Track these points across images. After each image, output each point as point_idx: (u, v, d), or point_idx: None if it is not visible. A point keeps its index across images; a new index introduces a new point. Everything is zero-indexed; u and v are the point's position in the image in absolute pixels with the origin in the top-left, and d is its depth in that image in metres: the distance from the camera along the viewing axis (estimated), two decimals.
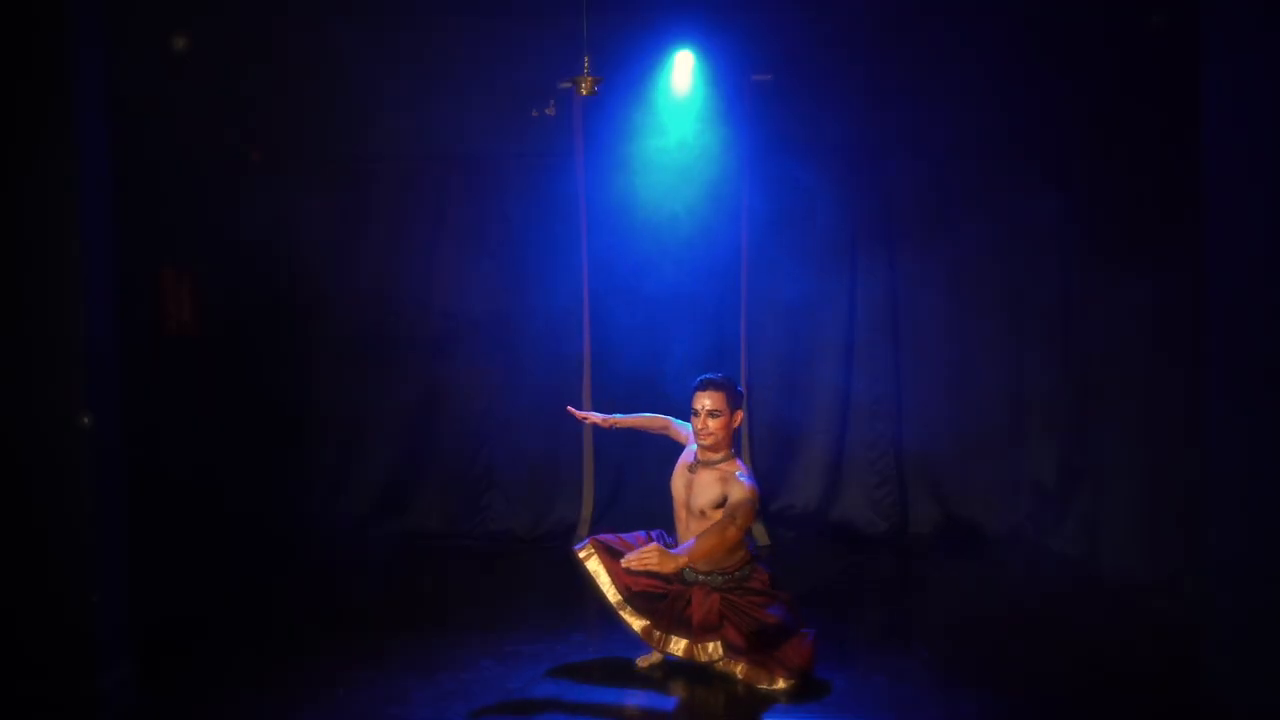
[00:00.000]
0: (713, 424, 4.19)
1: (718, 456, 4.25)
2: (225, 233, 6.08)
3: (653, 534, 4.47)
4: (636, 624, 4.32)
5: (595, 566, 4.38)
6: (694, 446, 4.36)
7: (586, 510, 6.64)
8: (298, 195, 6.65)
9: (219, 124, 6.01)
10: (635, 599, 4.32)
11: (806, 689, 4.07)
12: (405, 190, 6.73)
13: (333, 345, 6.74)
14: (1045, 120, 6.44)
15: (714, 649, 4.18)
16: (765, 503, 6.58)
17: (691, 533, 4.22)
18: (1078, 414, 6.24)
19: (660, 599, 4.28)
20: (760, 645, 4.08)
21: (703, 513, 4.19)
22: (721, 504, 4.14)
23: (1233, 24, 3.79)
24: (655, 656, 4.35)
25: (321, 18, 6.19)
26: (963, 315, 6.62)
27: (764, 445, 6.69)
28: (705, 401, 4.21)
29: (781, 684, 4.09)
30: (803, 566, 6.03)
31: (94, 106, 3.86)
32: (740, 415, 4.28)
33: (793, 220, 6.60)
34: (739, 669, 4.16)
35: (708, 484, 4.22)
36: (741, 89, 6.50)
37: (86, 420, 3.77)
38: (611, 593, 4.35)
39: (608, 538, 4.47)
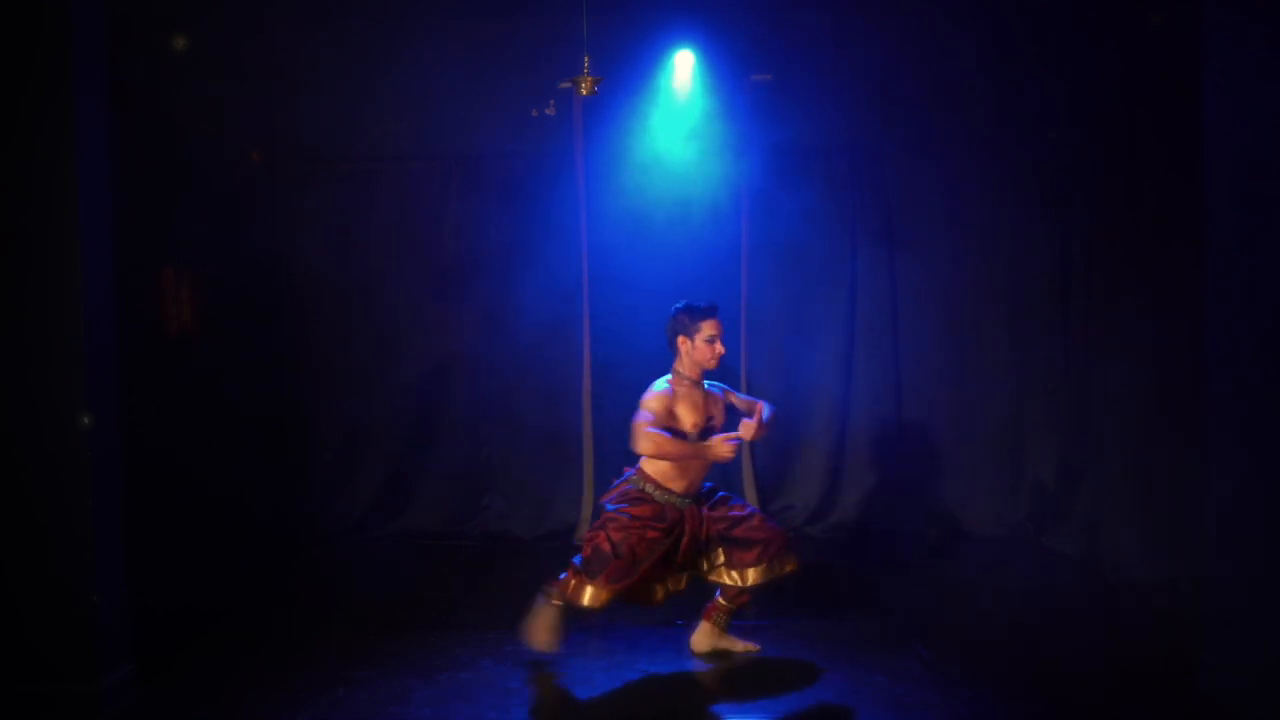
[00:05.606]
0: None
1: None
2: (226, 233, 6.08)
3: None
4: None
5: (591, 598, 4.16)
6: (673, 376, 4.42)
7: (586, 510, 6.63)
8: (298, 195, 6.66)
9: (219, 124, 6.01)
10: (643, 581, 4.24)
11: (805, 674, 4.12)
12: (405, 190, 6.74)
13: (333, 345, 6.74)
14: (1046, 117, 6.44)
15: (720, 556, 4.30)
16: (765, 503, 6.60)
17: (699, 459, 4.26)
18: (1078, 414, 6.24)
19: (667, 555, 4.25)
20: (752, 534, 4.27)
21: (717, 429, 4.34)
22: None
23: (1234, 31, 3.79)
24: None
25: (322, 18, 6.20)
26: (962, 315, 6.62)
27: (764, 445, 6.67)
28: (719, 327, 4.39)
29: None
30: (803, 567, 6.01)
31: (94, 106, 3.86)
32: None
33: (792, 220, 6.58)
34: (751, 575, 4.26)
35: (714, 399, 4.43)
36: (741, 89, 6.50)
37: (86, 420, 3.78)
38: (619, 590, 4.17)
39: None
